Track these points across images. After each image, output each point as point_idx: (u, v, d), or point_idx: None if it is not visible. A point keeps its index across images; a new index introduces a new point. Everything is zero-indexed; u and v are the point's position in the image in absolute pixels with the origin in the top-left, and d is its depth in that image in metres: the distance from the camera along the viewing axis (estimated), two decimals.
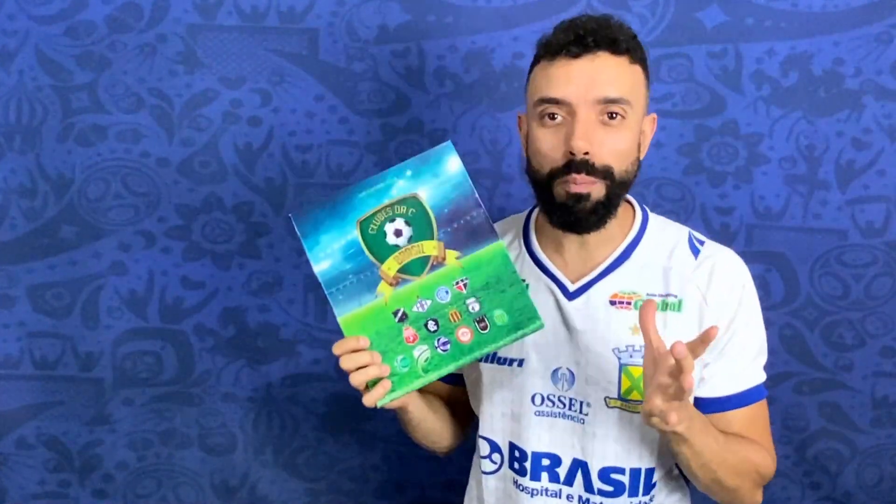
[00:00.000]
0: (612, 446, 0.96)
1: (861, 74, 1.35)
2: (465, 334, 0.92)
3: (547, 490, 0.99)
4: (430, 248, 0.91)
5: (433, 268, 0.91)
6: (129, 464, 1.46)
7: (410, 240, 0.91)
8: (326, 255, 0.91)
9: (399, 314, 0.92)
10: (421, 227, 0.91)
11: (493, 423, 1.03)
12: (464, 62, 1.37)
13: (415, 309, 0.92)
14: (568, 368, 0.98)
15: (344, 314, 0.91)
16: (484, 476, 1.05)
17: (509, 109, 1.38)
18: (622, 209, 1.00)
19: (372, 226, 0.91)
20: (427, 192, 0.91)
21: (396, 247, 0.91)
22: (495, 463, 1.04)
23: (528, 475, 0.99)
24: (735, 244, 1.39)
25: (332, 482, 1.48)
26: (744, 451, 0.96)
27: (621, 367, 0.95)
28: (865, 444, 1.43)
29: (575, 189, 0.91)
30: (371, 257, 0.91)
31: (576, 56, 0.90)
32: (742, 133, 1.37)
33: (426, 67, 1.38)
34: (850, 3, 1.34)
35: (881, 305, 1.40)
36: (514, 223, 1.09)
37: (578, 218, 0.93)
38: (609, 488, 0.97)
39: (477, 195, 0.91)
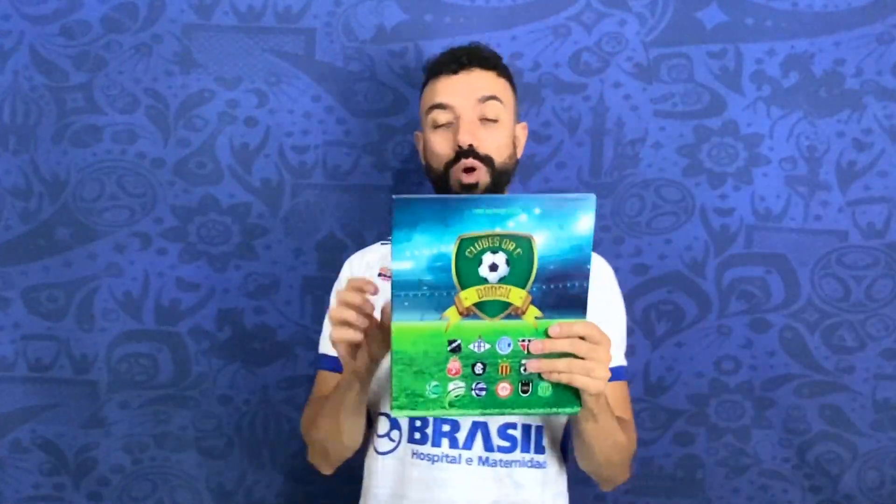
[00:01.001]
0: None
1: (862, 75, 1.34)
2: (504, 389, 0.87)
3: (447, 456, 1.03)
4: (517, 297, 0.84)
5: (508, 316, 0.85)
6: (125, 467, 1.45)
7: (502, 280, 0.84)
8: (412, 257, 0.82)
9: (454, 345, 0.85)
10: (519, 271, 0.83)
11: None
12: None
13: (471, 346, 0.86)
14: None
15: (400, 321, 0.84)
16: (380, 457, 1.07)
17: None
18: None
19: (472, 248, 0.83)
20: (542, 240, 0.83)
21: (485, 280, 0.84)
22: (393, 441, 1.06)
23: (430, 441, 1.04)
24: (735, 245, 1.39)
25: (329, 486, 1.46)
26: (625, 429, 1.04)
27: None
28: (866, 447, 1.43)
29: (466, 179, 1.07)
30: (455, 279, 0.83)
31: (454, 72, 1.10)
32: (742, 134, 1.36)
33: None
34: (850, 2, 1.33)
35: (882, 307, 1.39)
36: None
37: None
38: (507, 444, 1.04)
39: (590, 267, 0.84)
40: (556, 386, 0.87)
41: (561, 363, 0.85)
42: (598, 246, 1.39)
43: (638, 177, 1.38)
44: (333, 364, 1.11)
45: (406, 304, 0.84)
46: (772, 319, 1.40)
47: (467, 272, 0.83)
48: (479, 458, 1.04)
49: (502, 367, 0.86)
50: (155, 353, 1.42)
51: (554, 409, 0.88)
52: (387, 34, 1.36)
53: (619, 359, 1.11)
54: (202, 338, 1.41)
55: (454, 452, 1.04)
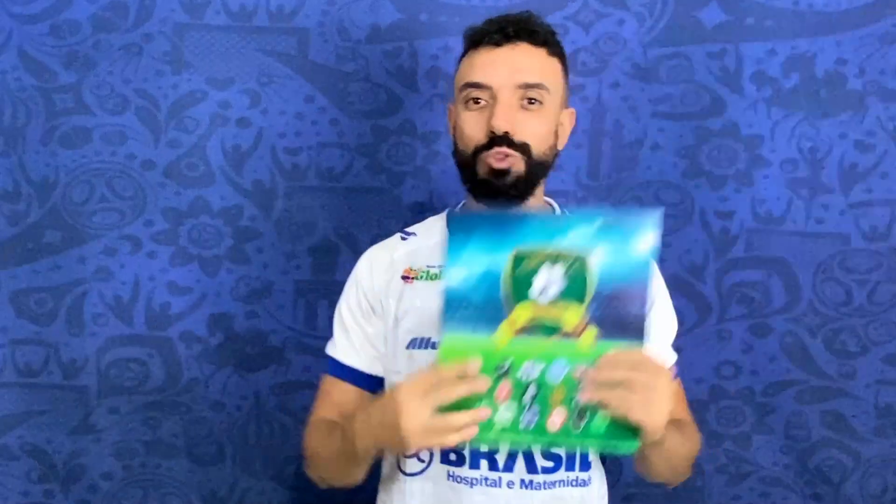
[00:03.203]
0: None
1: (864, 75, 1.32)
2: (556, 420, 0.80)
3: (486, 479, 0.96)
4: (573, 315, 0.80)
5: (564, 336, 0.80)
6: (115, 474, 1.43)
7: (557, 297, 0.80)
8: (465, 270, 0.80)
9: (505, 366, 0.81)
10: (575, 288, 0.79)
11: None
12: (457, 63, 1.34)
13: (522, 369, 0.81)
14: None
15: (451, 334, 0.81)
16: (408, 479, 1.00)
17: None
18: (542, 206, 1.06)
19: (525, 264, 0.80)
20: (601, 258, 0.79)
21: (539, 297, 0.80)
22: (423, 462, 1.00)
23: (467, 463, 0.97)
24: (735, 249, 1.37)
25: (323, 493, 1.44)
26: (688, 435, 1.01)
27: None
28: (869, 453, 1.41)
29: (497, 164, 0.96)
30: (507, 295, 0.80)
31: (498, 44, 0.97)
32: (742, 135, 1.34)
33: (419, 68, 1.35)
34: (852, 2, 1.31)
35: (885, 311, 1.37)
36: (438, 221, 1.10)
37: (499, 190, 0.98)
38: (550, 464, 0.97)
39: (651, 289, 0.80)
40: (614, 419, 0.80)
41: (617, 395, 0.78)
42: None
43: (636, 179, 1.36)
44: (343, 373, 1.06)
45: (456, 317, 0.80)
46: (772, 324, 1.38)
47: (521, 288, 0.80)
48: (522, 480, 0.96)
49: (556, 393, 0.81)
50: (145, 358, 1.39)
51: (610, 446, 0.81)
52: (381, 34, 1.34)
53: (671, 356, 1.06)
54: (193, 343, 1.39)
55: (494, 475, 0.96)
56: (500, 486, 0.96)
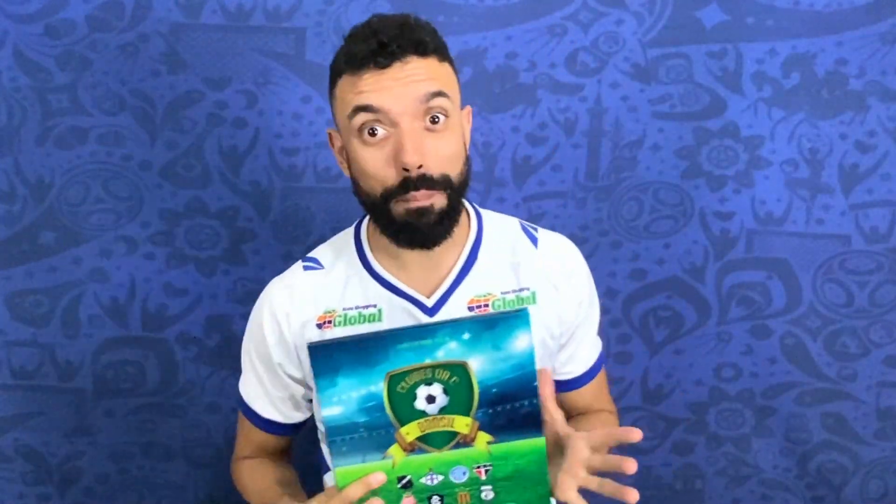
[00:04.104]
0: None
1: (865, 75, 1.31)
2: None
3: None
4: (462, 425, 0.78)
5: (457, 445, 0.79)
6: (111, 476, 1.42)
7: (442, 410, 0.78)
8: (340, 401, 0.76)
9: (404, 481, 0.80)
10: (459, 399, 0.77)
11: None
12: (456, 62, 1.32)
13: (423, 480, 0.81)
14: None
15: (343, 466, 0.79)
16: None
17: (503, 111, 1.34)
18: (465, 223, 0.98)
19: (403, 384, 0.77)
20: (480, 364, 0.76)
21: (424, 413, 0.78)
22: None
23: None
24: (735, 250, 1.36)
25: None
26: (605, 421, 1.06)
27: None
28: (870, 456, 1.40)
29: (416, 204, 0.86)
30: (391, 416, 0.77)
31: (384, 67, 0.84)
32: (742, 135, 1.34)
33: None
34: (853, 1, 1.30)
35: (886, 313, 1.37)
36: (343, 246, 1.00)
37: (424, 233, 0.88)
38: None
39: (537, 383, 0.77)
40: None
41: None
42: (595, 250, 1.36)
43: (636, 179, 1.35)
44: (262, 424, 1.06)
45: (345, 448, 0.78)
46: (773, 326, 1.38)
47: (403, 408, 0.78)
48: None
49: (461, 496, 0.82)
50: (141, 360, 1.39)
51: None
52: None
53: (597, 347, 1.08)
54: (190, 344, 1.39)
55: None
56: None
